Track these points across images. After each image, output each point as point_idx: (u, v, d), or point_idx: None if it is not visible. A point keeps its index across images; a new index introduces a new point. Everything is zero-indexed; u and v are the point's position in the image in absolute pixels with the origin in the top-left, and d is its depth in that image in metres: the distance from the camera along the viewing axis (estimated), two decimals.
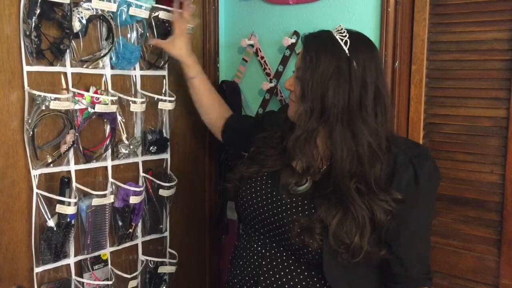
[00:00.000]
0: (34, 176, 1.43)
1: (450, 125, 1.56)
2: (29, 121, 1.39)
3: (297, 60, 1.34)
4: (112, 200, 1.60)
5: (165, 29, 1.71)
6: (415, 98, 1.60)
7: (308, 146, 1.24)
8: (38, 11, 1.35)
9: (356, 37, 1.28)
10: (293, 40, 1.79)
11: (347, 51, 1.23)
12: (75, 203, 1.47)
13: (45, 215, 1.45)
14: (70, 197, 1.46)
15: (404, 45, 1.60)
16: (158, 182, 1.74)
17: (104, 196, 1.56)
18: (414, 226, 1.25)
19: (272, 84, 1.87)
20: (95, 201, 1.54)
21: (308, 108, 1.22)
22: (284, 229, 1.26)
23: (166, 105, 1.73)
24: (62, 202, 1.44)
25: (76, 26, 1.45)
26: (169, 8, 1.68)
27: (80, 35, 1.48)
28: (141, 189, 1.66)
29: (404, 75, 1.61)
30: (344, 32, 1.28)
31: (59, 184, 1.46)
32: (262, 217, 1.32)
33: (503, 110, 1.45)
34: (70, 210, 1.45)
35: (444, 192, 1.56)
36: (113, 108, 1.56)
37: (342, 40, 1.26)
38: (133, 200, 1.63)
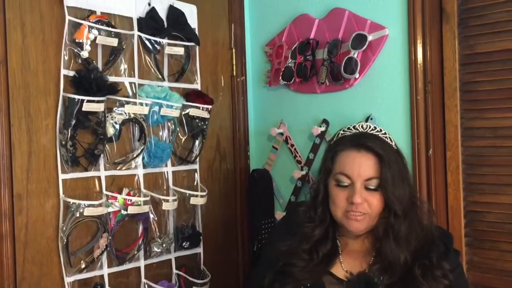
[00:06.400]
0: (67, 283, 1.43)
1: (492, 213, 1.50)
2: (64, 228, 1.41)
3: (355, 167, 1.25)
4: None
5: (194, 125, 1.74)
6: (453, 185, 1.55)
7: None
8: (73, 122, 1.39)
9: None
10: (323, 129, 1.78)
11: (395, 146, 1.30)
12: None
13: None
14: None
15: (436, 132, 1.57)
16: (191, 279, 1.70)
17: None
18: None
19: (304, 172, 1.85)
20: None
21: (391, 215, 1.24)
22: None
23: (198, 200, 1.73)
24: None
25: (110, 131, 1.50)
26: (198, 105, 1.72)
27: (114, 139, 1.52)
28: None
29: (439, 162, 1.57)
30: (381, 130, 1.32)
31: None
32: None
33: None
34: None
35: (492, 285, 1.49)
36: (146, 209, 1.56)
37: (387, 138, 1.31)
38: None
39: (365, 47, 1.63)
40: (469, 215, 1.54)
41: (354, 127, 1.34)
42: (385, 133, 1.32)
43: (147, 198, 1.58)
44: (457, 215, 1.55)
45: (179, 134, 1.73)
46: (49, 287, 1.41)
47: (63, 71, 1.43)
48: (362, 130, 1.33)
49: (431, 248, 1.24)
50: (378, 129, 1.32)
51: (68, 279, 1.43)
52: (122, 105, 1.53)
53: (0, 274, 1.34)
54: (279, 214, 1.93)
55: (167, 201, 1.62)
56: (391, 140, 1.32)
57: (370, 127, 1.32)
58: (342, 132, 1.36)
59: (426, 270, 1.20)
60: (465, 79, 1.53)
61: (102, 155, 1.50)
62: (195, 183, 1.79)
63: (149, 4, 1.63)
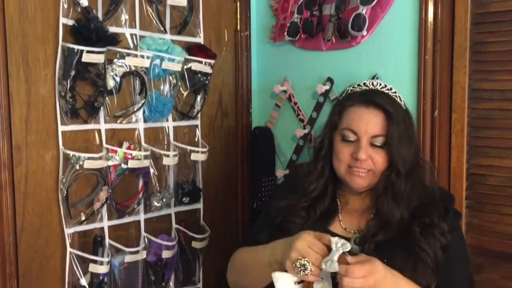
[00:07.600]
0: (67, 234, 1.43)
1: (495, 176, 1.48)
2: (63, 180, 1.40)
3: (362, 123, 1.23)
4: (145, 256, 1.58)
5: (196, 80, 1.70)
6: (457, 148, 1.53)
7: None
8: (73, 73, 1.36)
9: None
10: (327, 87, 1.75)
11: (404, 106, 1.27)
12: (108, 262, 1.46)
13: (78, 274, 1.44)
14: (103, 256, 1.45)
15: (443, 93, 1.54)
16: (191, 234, 1.71)
17: (137, 252, 1.55)
18: (460, 257, 1.25)
19: (306, 131, 1.83)
20: (128, 258, 1.52)
21: (393, 173, 1.23)
22: None
23: (199, 156, 1.71)
24: (95, 261, 1.43)
25: (110, 83, 1.46)
26: (201, 59, 1.68)
27: (114, 92, 1.49)
28: (174, 243, 1.64)
29: (444, 124, 1.55)
30: (391, 88, 1.29)
31: (92, 243, 1.45)
32: None
33: None
34: (103, 269, 1.44)
35: (491, 247, 1.49)
36: (146, 163, 1.55)
37: (396, 97, 1.28)
38: (166, 254, 1.60)
39: (374, 3, 1.57)
40: (471, 177, 1.53)
41: (364, 84, 1.31)
42: (395, 92, 1.30)
43: (148, 153, 1.56)
44: (459, 178, 1.53)
45: (181, 88, 1.69)
46: (49, 238, 1.41)
47: (62, 20, 1.38)
48: (372, 87, 1.30)
49: (431, 208, 1.23)
50: (388, 87, 1.29)
51: (68, 231, 1.43)
52: (122, 57, 1.49)
53: (0, 225, 1.34)
54: (280, 172, 1.92)
55: (167, 156, 1.61)
56: (400, 99, 1.29)
57: (380, 84, 1.29)
58: (352, 89, 1.33)
59: (425, 228, 1.20)
60: (476, 39, 1.48)
61: (102, 107, 1.47)
62: (196, 139, 1.77)
63: None
